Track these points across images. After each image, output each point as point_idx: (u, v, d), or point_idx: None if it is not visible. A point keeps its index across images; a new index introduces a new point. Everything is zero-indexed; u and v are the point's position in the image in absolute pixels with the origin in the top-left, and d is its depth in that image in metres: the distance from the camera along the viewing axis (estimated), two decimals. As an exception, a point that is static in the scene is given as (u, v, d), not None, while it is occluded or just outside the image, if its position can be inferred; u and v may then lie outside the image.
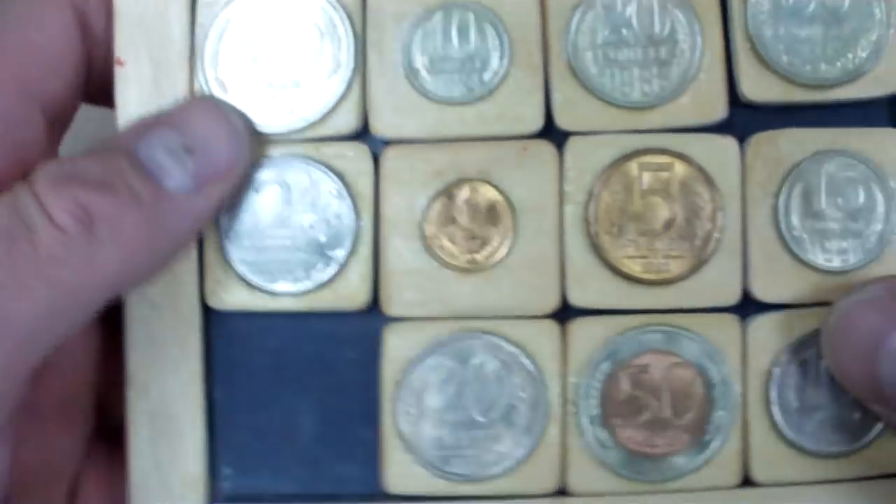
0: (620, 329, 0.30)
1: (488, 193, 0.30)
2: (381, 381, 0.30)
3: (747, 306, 0.30)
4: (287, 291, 0.30)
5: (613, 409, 0.30)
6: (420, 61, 0.30)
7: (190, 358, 0.30)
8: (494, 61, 0.30)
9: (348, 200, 0.30)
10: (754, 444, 0.30)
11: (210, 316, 0.31)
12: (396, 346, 0.30)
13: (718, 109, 0.30)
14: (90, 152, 0.27)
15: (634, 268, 0.30)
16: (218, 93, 0.30)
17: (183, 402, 0.30)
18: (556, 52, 0.30)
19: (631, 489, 0.30)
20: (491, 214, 0.30)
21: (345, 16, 0.30)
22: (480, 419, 0.30)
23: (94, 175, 0.26)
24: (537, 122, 0.30)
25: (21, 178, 0.26)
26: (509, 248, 0.30)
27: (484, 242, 0.30)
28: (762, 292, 0.30)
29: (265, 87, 0.30)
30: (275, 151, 0.30)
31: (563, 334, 0.30)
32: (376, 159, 0.30)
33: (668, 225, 0.30)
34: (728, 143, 0.30)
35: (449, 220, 0.30)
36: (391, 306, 0.30)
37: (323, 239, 0.30)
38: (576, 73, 0.30)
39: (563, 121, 0.30)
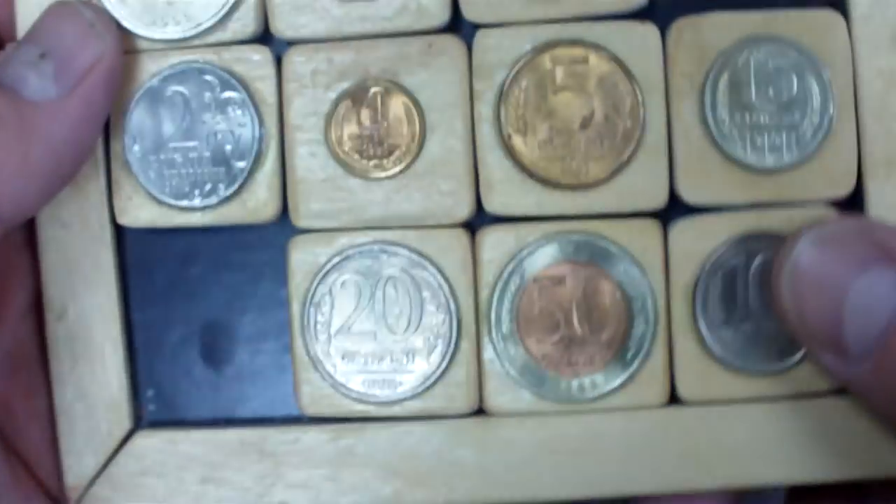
0: (533, 238, 0.28)
1: (394, 94, 0.28)
2: (289, 298, 0.29)
3: (674, 210, 0.28)
4: (196, 206, 0.29)
5: (527, 326, 0.28)
6: (320, -44, 0.28)
7: (105, 278, 0.30)
8: (397, -49, 0.28)
9: (251, 107, 0.29)
10: (679, 361, 0.28)
11: (122, 233, 0.30)
12: (302, 260, 0.29)
13: (638, -7, 0.28)
14: None
15: (551, 171, 0.28)
16: (114, 1, 0.29)
17: (101, 325, 0.30)
18: (460, -62, 0.28)
19: (552, 409, 0.28)
20: (398, 116, 0.28)
21: None
22: (391, 336, 0.28)
23: None
24: (444, 16, 0.28)
25: None
26: (417, 151, 0.28)
27: (392, 147, 0.28)
28: (690, 194, 0.28)
29: (160, -9, 0.29)
30: (173, 59, 0.29)
31: (474, 244, 0.28)
32: (280, 62, 0.29)
33: (586, 123, 0.28)
34: (649, 31, 0.28)
35: (355, 123, 0.28)
36: (299, 218, 0.29)
37: (228, 148, 0.29)
38: (482, -40, 0.28)
39: (470, 12, 0.28)
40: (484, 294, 0.28)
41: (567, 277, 0.28)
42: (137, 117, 0.29)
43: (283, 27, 0.29)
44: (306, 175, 0.29)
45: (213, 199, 0.29)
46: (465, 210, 0.28)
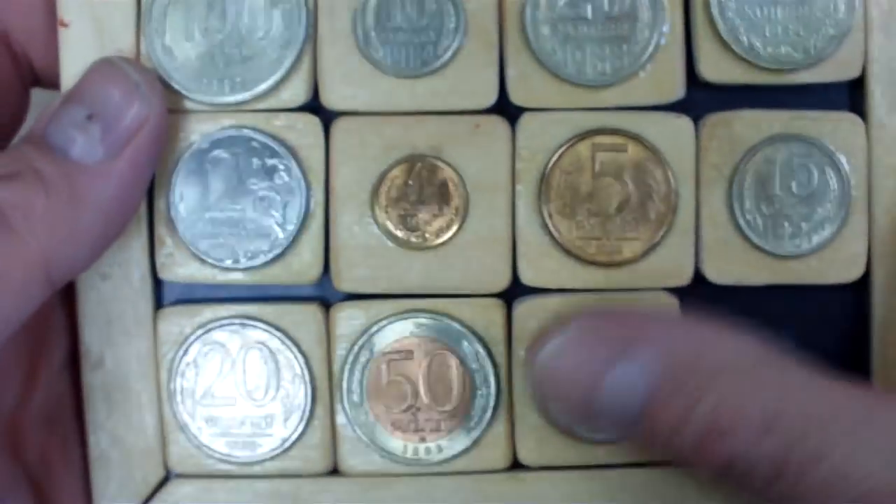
0: (384, 314, 0.30)
1: (440, 170, 0.29)
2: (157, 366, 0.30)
3: (699, 288, 0.30)
4: (238, 266, 0.30)
5: (376, 395, 0.30)
6: (373, 32, 0.29)
7: (143, 330, 0.30)
8: (449, 33, 0.29)
9: (298, 173, 0.29)
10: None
11: (162, 287, 0.31)
12: (168, 331, 0.30)
13: (676, 89, 0.29)
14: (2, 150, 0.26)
15: (588, 250, 0.29)
16: (165, 61, 0.29)
17: (139, 375, 0.30)
18: (511, 25, 0.29)
19: (402, 471, 0.30)
20: (442, 191, 0.29)
21: (295, -16, 0.29)
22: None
23: (1, 170, 0.25)
24: (491, 97, 0.29)
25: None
26: (459, 226, 0.30)
27: (434, 220, 0.30)
28: (714, 275, 0.30)
29: (214, 56, 0.29)
30: (224, 122, 0.29)
31: (328, 320, 0.30)
32: (328, 132, 0.30)
33: (622, 207, 0.29)
34: (684, 124, 0.29)
35: (400, 196, 0.29)
36: (341, 282, 0.30)
37: (274, 213, 0.30)
38: (531, 48, 0.29)
39: (517, 97, 0.29)
40: (336, 366, 0.30)
41: (414, 352, 0.30)
42: (184, 177, 0.29)
43: (332, 99, 0.29)
44: (349, 241, 0.30)
45: (256, 261, 0.30)
46: (503, 282, 0.30)
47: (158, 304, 0.31)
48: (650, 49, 0.29)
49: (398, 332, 0.30)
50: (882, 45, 0.29)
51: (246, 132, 0.29)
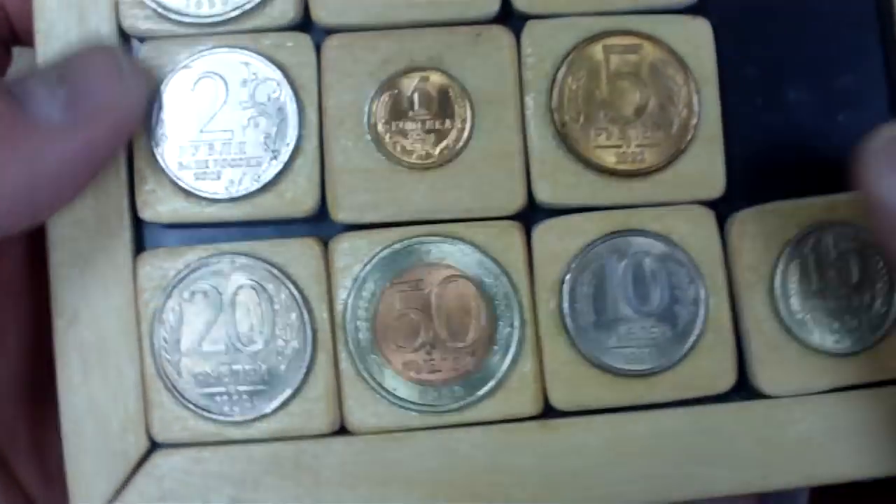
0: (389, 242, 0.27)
1: (440, 81, 0.27)
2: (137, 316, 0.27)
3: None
4: (226, 196, 0.27)
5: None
6: (364, -60, 0.27)
7: (122, 277, 0.27)
8: (446, -62, 0.27)
9: (290, 93, 0.27)
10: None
11: (141, 231, 0.28)
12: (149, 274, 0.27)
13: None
14: None
15: (608, 158, 0.27)
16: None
17: (118, 332, 0.27)
18: (511, -73, 0.28)
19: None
20: (444, 104, 0.27)
21: None
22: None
23: None
24: (493, 6, 0.27)
25: None
26: (466, 141, 0.27)
27: (439, 135, 0.27)
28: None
29: (196, -27, 0.27)
30: (209, 42, 0.27)
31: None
32: (319, 50, 0.28)
33: (640, 111, 0.27)
34: (700, 25, 0.28)
35: (399, 112, 0.27)
36: (339, 211, 0.27)
37: (265, 134, 0.27)
38: (533, -50, 0.27)
39: (520, 3, 0.27)
40: (338, 305, 0.27)
41: (425, 280, 0.27)
42: (168, 103, 0.27)
43: (323, 14, 0.27)
44: (346, 165, 0.27)
45: (246, 188, 0.27)
46: (517, 201, 0.27)
47: (138, 249, 0.28)
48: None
49: (405, 261, 0.27)
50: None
51: (235, 52, 0.27)
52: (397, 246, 0.27)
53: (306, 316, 0.27)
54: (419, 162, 0.27)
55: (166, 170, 0.27)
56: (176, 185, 0.27)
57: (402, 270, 0.27)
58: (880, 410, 0.27)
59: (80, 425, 0.27)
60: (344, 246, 0.27)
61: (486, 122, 0.27)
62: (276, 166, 0.27)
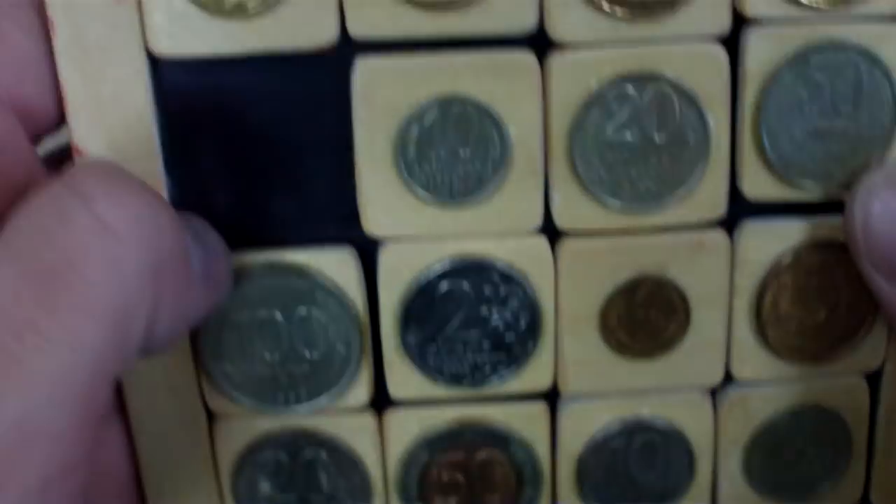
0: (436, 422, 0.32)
1: (667, 291, 0.31)
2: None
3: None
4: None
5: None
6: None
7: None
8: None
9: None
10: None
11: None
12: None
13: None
14: None
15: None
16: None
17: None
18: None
19: None
20: (668, 310, 0.31)
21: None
22: None
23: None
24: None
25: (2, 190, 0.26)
26: (682, 338, 0.31)
27: (659, 332, 0.31)
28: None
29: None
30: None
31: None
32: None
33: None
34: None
35: (627, 316, 0.31)
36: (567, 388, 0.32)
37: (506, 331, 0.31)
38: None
39: (562, 220, 0.30)
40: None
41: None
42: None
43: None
44: (575, 356, 0.31)
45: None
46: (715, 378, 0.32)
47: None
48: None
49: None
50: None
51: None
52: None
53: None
54: (639, 352, 0.32)
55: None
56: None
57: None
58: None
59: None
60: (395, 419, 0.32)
61: (701, 323, 0.31)
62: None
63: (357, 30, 0.28)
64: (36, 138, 0.29)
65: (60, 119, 0.29)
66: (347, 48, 0.28)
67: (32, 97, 0.28)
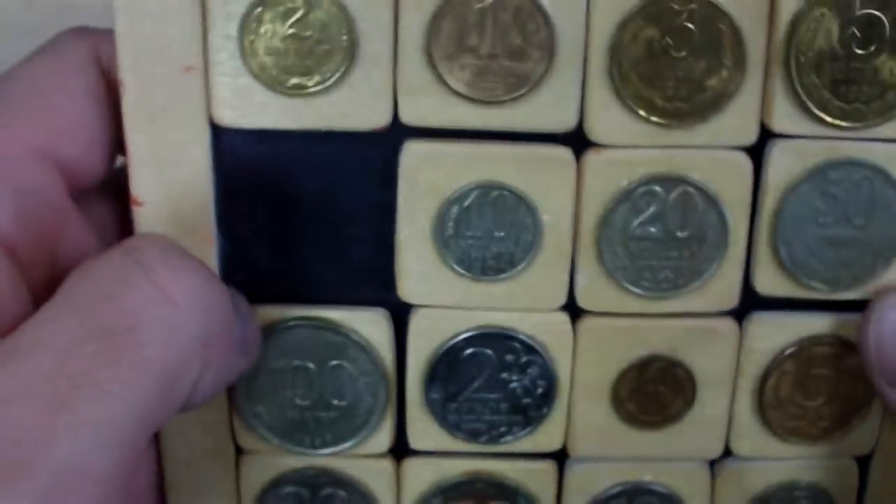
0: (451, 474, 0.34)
1: (677, 370, 0.33)
2: None
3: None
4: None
5: None
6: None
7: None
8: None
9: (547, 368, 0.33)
10: None
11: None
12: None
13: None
14: None
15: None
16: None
17: None
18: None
19: None
20: (677, 387, 0.33)
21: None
22: None
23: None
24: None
25: (41, 246, 0.28)
26: (687, 411, 0.33)
27: (666, 406, 0.33)
28: None
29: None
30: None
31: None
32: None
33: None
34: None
35: (638, 389, 0.33)
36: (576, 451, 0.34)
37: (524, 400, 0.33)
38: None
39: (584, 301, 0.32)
40: None
41: None
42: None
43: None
44: (586, 423, 0.33)
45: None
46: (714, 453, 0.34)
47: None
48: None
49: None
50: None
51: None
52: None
53: None
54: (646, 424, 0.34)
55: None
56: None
57: None
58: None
59: None
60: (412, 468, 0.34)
61: (706, 402, 0.33)
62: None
63: (408, 117, 0.30)
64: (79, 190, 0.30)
65: (106, 174, 0.31)
66: (398, 130, 0.30)
67: (80, 157, 0.30)
